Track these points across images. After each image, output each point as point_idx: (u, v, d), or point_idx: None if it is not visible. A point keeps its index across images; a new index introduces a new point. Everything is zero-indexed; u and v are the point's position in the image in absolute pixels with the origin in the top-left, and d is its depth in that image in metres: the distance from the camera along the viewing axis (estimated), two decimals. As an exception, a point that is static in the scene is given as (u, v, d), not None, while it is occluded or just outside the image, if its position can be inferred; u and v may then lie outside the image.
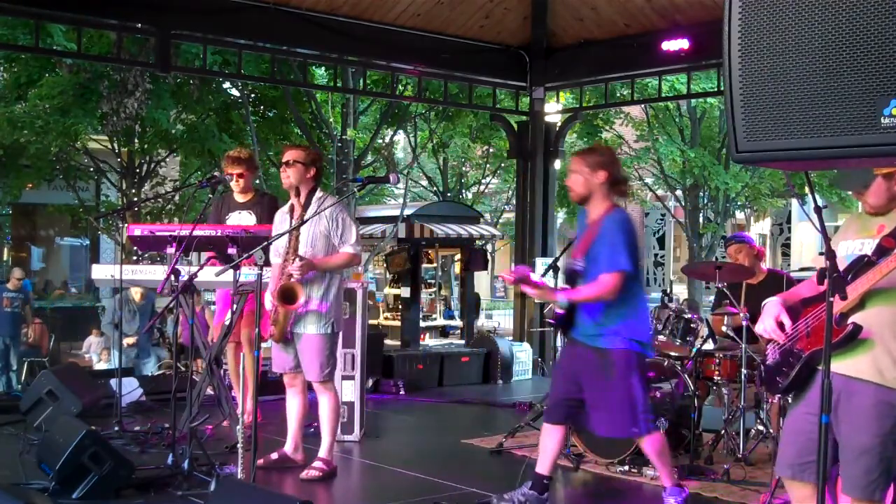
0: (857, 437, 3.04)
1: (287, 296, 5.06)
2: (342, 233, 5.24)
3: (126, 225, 6.02)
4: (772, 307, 3.28)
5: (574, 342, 4.63)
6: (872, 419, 3.03)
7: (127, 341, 10.43)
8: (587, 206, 4.62)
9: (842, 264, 3.25)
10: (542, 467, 4.70)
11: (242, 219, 6.20)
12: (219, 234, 5.48)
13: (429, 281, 14.74)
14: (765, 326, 3.27)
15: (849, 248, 3.27)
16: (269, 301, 5.18)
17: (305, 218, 5.12)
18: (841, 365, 3.05)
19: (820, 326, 3.15)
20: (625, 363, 4.47)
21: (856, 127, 2.22)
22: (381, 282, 18.09)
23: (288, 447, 5.54)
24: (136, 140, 15.37)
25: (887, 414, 3.03)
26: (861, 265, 3.06)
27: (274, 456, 5.49)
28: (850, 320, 3.07)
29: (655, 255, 27.83)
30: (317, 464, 5.36)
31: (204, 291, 9.12)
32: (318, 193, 5.32)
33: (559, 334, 6.60)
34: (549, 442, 4.69)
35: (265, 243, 4.92)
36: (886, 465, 3.04)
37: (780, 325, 3.23)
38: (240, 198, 6.33)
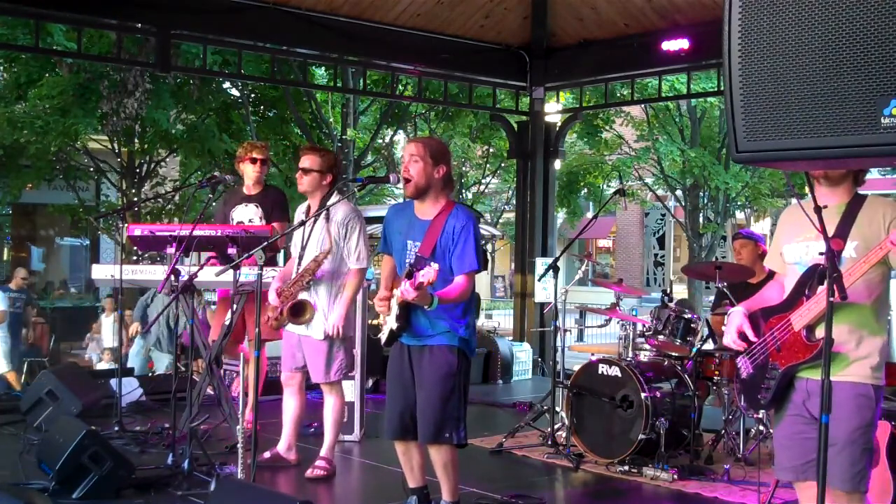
0: (839, 430, 3.09)
1: (297, 311, 5.14)
2: (348, 242, 5.23)
3: (126, 225, 6.00)
4: (735, 317, 3.35)
5: None
6: (853, 412, 3.11)
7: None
8: (420, 199, 4.28)
9: (792, 272, 3.28)
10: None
11: (248, 211, 6.17)
12: (219, 234, 5.48)
13: (429, 281, 14.66)
14: (730, 338, 3.34)
15: (795, 253, 3.31)
16: (272, 296, 5.19)
17: (306, 220, 5.19)
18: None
19: (790, 340, 3.21)
20: None
21: (856, 127, 2.23)
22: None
23: (281, 446, 5.53)
24: (136, 140, 15.38)
25: (866, 406, 3.14)
26: (817, 276, 3.11)
27: (266, 455, 5.46)
28: (818, 334, 3.12)
29: (655, 255, 27.87)
30: (320, 462, 5.36)
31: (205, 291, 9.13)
32: (334, 198, 5.29)
33: (559, 336, 6.61)
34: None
35: (266, 243, 4.92)
36: (868, 456, 3.15)
37: (743, 336, 3.30)
38: (248, 190, 6.29)
